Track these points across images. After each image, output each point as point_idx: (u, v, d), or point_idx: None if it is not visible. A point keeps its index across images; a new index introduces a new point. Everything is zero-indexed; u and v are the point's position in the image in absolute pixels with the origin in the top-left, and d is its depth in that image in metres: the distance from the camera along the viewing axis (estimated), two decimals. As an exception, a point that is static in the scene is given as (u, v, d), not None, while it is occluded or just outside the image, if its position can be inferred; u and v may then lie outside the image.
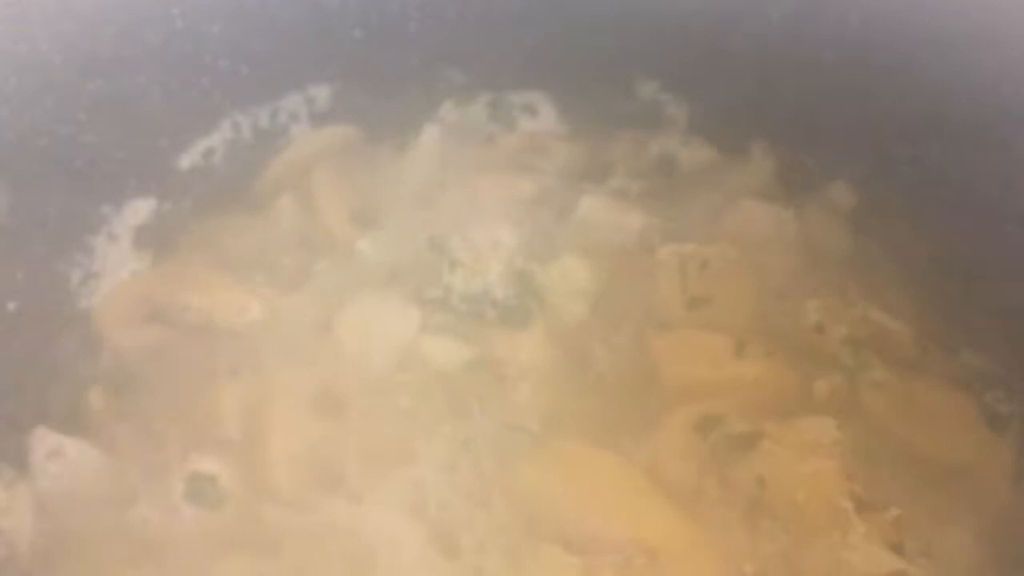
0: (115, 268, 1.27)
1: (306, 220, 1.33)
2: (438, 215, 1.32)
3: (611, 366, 1.20)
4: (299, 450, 1.12)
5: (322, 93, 1.39)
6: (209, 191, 1.34)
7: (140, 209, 1.29)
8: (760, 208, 1.32)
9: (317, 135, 1.40)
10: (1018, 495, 1.12)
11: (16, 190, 1.13)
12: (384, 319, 1.22)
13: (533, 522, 1.08)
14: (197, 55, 1.26)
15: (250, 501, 1.09)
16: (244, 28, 1.28)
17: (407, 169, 1.37)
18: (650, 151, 1.40)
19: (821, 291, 1.25)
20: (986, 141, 1.15)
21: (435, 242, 1.28)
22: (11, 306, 1.15)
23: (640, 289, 1.26)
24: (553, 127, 1.43)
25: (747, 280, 1.26)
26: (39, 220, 1.18)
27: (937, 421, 1.15)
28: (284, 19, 1.29)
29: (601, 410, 1.16)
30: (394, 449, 1.12)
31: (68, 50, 1.15)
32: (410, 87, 1.39)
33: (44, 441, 1.12)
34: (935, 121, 1.20)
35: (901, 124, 1.24)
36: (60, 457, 1.12)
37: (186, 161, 1.33)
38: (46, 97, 1.14)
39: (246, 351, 1.20)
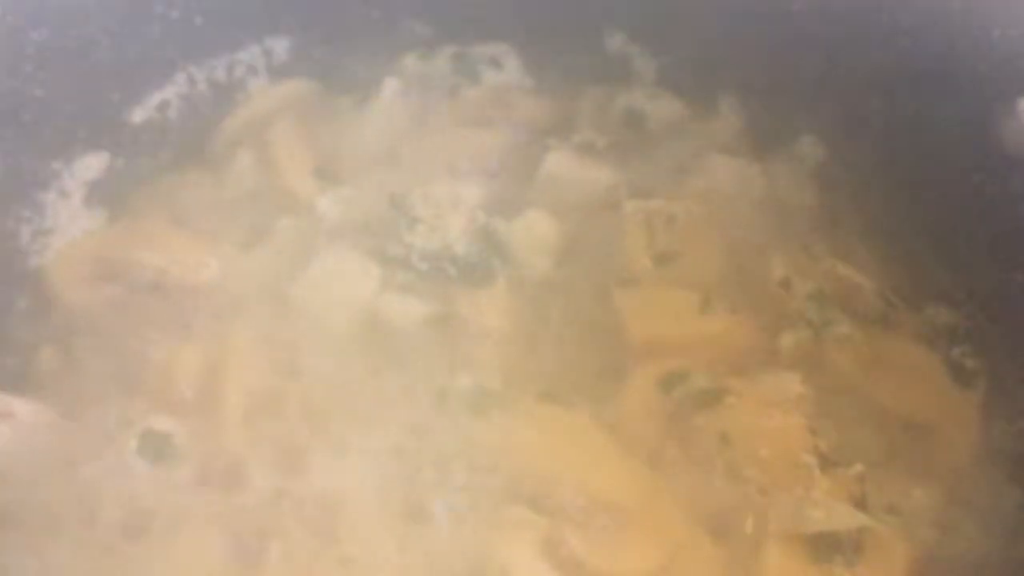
0: (67, 225, 1.24)
1: (265, 176, 1.29)
2: (400, 171, 1.29)
3: (576, 323, 1.18)
4: (256, 410, 1.09)
5: (280, 45, 1.36)
6: (164, 146, 1.31)
7: (92, 164, 1.25)
8: (728, 163, 1.30)
9: (276, 89, 1.36)
10: (983, 450, 1.11)
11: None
12: (344, 277, 1.19)
13: (497, 482, 1.06)
14: (148, 4, 1.23)
15: (205, 462, 1.06)
16: (197, -24, 1.24)
17: (368, 124, 1.34)
18: (617, 105, 1.37)
19: (788, 246, 1.23)
20: (956, 90, 1.14)
21: (396, 198, 1.25)
22: (-41, 265, 1.12)
23: (606, 245, 1.24)
24: (518, 80, 1.40)
25: (714, 235, 1.24)
26: (-15, 176, 1.15)
27: (903, 376, 1.14)
28: (239, -33, 1.25)
29: (565, 368, 1.14)
30: (353, 409, 1.10)
31: (13, -2, 1.12)
32: (371, 39, 1.36)
33: (-6, 403, 1.10)
34: (905, 70, 1.19)
35: (870, 75, 1.23)
36: (11, 419, 1.09)
37: (139, 115, 1.29)
38: (-9, 48, 1.11)
39: (202, 310, 1.18)
